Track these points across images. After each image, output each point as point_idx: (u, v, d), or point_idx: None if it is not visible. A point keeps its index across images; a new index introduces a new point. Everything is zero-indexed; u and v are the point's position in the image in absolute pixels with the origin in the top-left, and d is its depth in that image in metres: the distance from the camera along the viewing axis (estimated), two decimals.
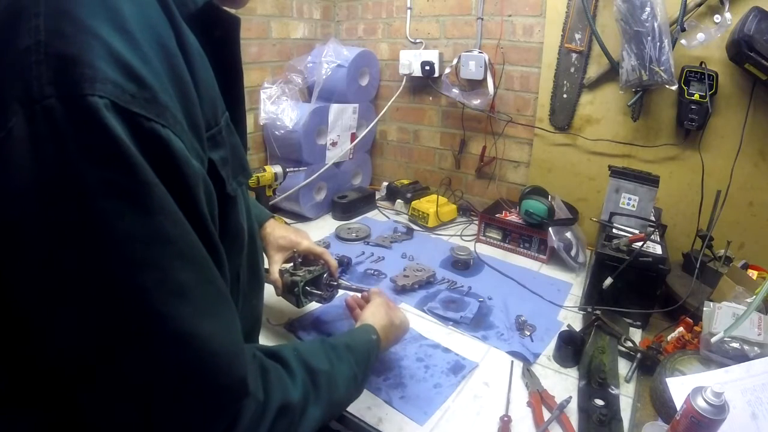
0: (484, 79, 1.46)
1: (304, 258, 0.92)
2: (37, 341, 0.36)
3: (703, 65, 1.12)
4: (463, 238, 1.45)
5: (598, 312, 0.98)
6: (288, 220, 1.51)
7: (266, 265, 0.89)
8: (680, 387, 0.73)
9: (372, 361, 0.67)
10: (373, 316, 0.76)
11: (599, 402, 0.77)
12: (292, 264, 0.91)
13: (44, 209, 0.31)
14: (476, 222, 1.47)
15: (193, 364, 0.36)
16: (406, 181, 1.75)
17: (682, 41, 1.10)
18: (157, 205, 0.33)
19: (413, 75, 1.61)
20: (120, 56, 0.32)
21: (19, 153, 0.30)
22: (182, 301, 0.35)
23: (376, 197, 1.73)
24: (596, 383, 0.81)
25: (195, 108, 0.38)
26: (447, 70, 1.50)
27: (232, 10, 0.48)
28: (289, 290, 0.87)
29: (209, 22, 0.44)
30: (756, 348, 0.78)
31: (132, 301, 0.33)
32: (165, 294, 0.34)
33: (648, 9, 1.06)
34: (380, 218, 1.60)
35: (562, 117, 1.39)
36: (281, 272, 0.88)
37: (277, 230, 0.92)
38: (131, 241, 0.32)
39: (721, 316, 0.82)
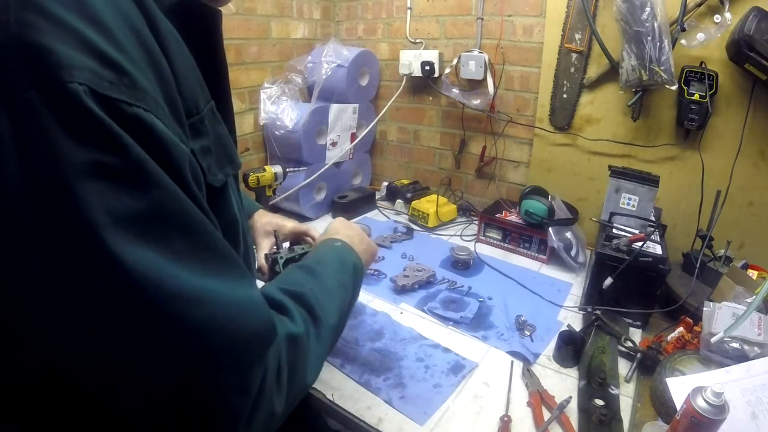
0: (484, 79, 1.46)
1: (291, 242, 0.92)
2: (39, 341, 0.36)
3: (703, 65, 1.12)
4: (463, 238, 1.45)
5: (598, 312, 0.98)
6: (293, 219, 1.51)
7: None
8: (680, 387, 0.73)
9: (351, 264, 0.66)
10: (321, 237, 0.75)
11: (599, 402, 0.77)
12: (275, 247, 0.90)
13: (36, 202, 0.31)
14: (476, 222, 1.47)
15: (217, 317, 0.36)
16: (406, 181, 1.75)
17: (682, 41, 1.10)
18: (152, 180, 0.33)
19: (413, 75, 1.61)
20: (94, 45, 0.32)
21: (6, 150, 0.30)
22: (189, 266, 0.35)
23: (376, 197, 1.73)
24: (596, 383, 0.81)
25: (174, 93, 0.38)
26: (447, 70, 1.50)
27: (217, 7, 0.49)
28: (271, 271, 0.85)
29: (189, 17, 0.44)
30: (756, 348, 0.78)
31: (140, 276, 0.33)
32: (171, 263, 0.34)
33: (648, 9, 1.06)
34: (380, 218, 1.60)
35: (562, 117, 1.39)
36: (266, 256, 0.87)
37: (263, 217, 0.92)
38: (130, 219, 0.32)
39: (721, 316, 0.82)
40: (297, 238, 0.92)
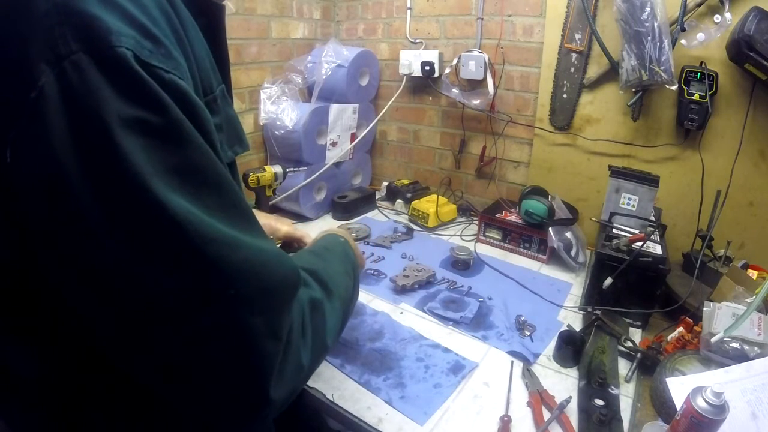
0: (484, 79, 1.46)
1: (286, 244, 0.91)
2: (83, 295, 0.37)
3: (703, 65, 1.12)
4: (463, 238, 1.45)
5: (598, 312, 0.98)
6: (288, 221, 1.51)
7: None
8: (680, 387, 0.73)
9: (352, 259, 0.69)
10: (321, 234, 0.78)
11: (599, 402, 0.77)
12: None
13: (82, 154, 0.32)
14: (476, 222, 1.47)
15: (252, 262, 0.39)
16: (406, 181, 1.75)
17: (682, 41, 1.10)
18: (188, 139, 0.36)
19: (413, 75, 1.61)
20: (134, 17, 0.34)
21: (52, 110, 0.32)
22: (219, 218, 0.37)
23: (376, 197, 1.73)
24: (596, 383, 0.81)
25: (194, 71, 0.41)
26: (447, 70, 1.50)
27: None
28: None
29: (194, 10, 0.46)
30: (756, 348, 0.78)
31: (182, 219, 0.34)
32: (205, 214, 0.36)
33: (648, 9, 1.06)
34: (380, 218, 1.60)
35: (562, 117, 1.39)
36: None
37: (258, 218, 0.92)
38: (168, 172, 0.34)
39: (721, 316, 0.82)
40: (289, 243, 0.92)
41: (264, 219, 0.93)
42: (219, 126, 0.46)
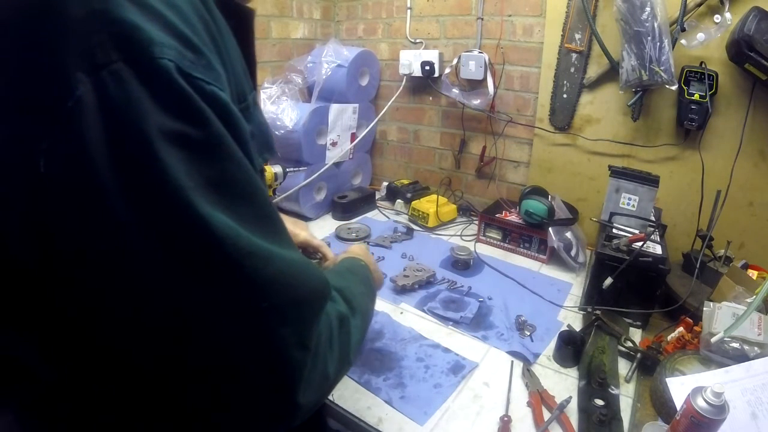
0: (484, 79, 1.46)
1: (302, 250, 0.91)
2: (116, 309, 0.36)
3: (703, 65, 1.12)
4: (463, 238, 1.45)
5: (598, 312, 0.98)
6: (305, 225, 1.50)
7: None
8: (680, 387, 0.73)
9: (372, 285, 0.70)
10: (343, 255, 0.78)
11: (599, 402, 0.77)
12: None
13: (120, 166, 0.32)
14: (476, 222, 1.47)
15: (284, 274, 0.39)
16: (406, 181, 1.75)
17: (682, 41, 1.10)
18: (227, 153, 0.36)
19: (413, 75, 1.61)
20: (175, 26, 0.34)
21: (90, 120, 0.31)
22: (253, 230, 0.37)
23: (376, 197, 1.73)
24: (596, 383, 0.81)
25: (231, 78, 0.41)
26: (447, 70, 1.50)
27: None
28: None
29: (225, 14, 0.46)
30: (756, 348, 0.78)
31: (221, 234, 0.34)
32: (240, 227, 0.36)
33: (648, 9, 1.06)
34: (380, 218, 1.60)
35: (562, 117, 1.39)
36: None
37: None
38: (207, 186, 0.34)
39: (721, 316, 0.82)
40: (305, 250, 0.91)
41: None
42: (252, 134, 0.46)
